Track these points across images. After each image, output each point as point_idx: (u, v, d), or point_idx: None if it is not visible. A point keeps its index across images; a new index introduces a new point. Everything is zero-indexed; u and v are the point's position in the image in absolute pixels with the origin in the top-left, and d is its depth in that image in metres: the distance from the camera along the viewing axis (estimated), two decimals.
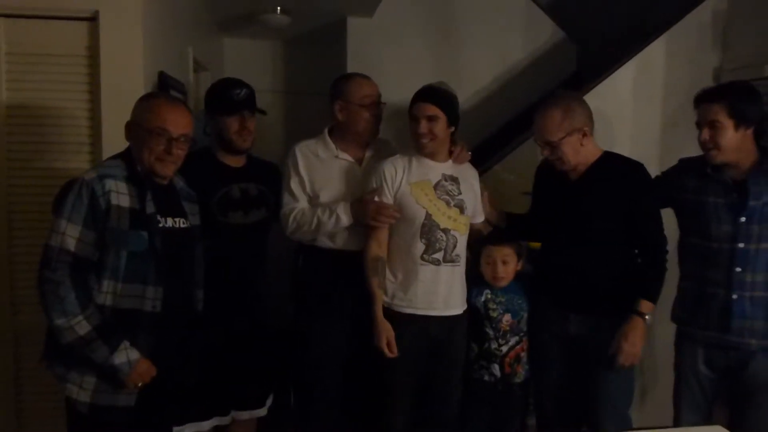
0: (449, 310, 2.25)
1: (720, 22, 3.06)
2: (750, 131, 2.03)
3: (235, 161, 2.31)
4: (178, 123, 1.87)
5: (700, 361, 2.16)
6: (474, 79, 3.64)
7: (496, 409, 2.29)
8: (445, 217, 2.22)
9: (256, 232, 2.33)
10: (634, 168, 2.17)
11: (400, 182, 2.23)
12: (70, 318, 1.71)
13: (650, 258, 2.16)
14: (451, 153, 2.30)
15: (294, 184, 2.33)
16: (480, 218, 2.39)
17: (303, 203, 2.33)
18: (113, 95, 2.22)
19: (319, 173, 2.34)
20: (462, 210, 2.25)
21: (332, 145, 2.37)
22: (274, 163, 2.47)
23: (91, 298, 1.75)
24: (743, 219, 2.03)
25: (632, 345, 2.09)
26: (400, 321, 2.21)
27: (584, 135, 2.17)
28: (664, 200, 2.23)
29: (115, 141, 2.00)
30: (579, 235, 2.18)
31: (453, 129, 2.25)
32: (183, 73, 2.92)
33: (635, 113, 3.05)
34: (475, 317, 2.29)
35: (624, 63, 3.04)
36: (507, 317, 2.27)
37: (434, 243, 2.21)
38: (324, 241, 2.35)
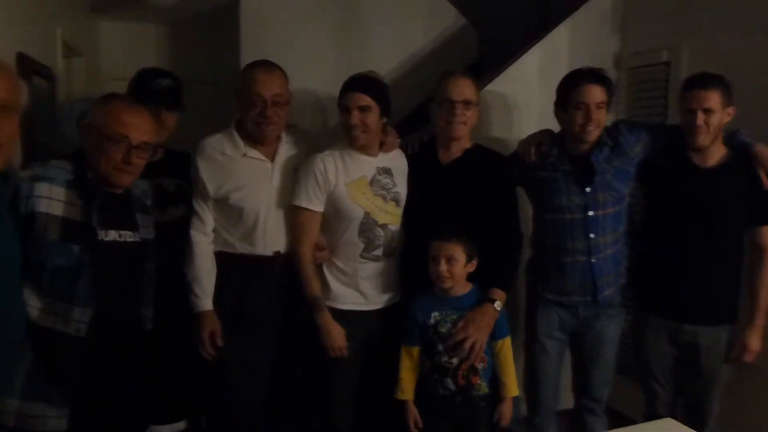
0: (391, 301, 2.24)
1: (619, 8, 3.10)
2: None
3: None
4: (139, 129, 1.70)
5: (555, 326, 2.34)
6: (378, 66, 3.46)
7: (460, 423, 2.11)
8: (382, 212, 2.15)
9: (175, 231, 2.11)
10: (500, 161, 2.30)
11: (334, 183, 2.12)
12: None
13: (508, 248, 2.22)
14: (381, 144, 2.19)
15: (196, 200, 2.16)
16: None
17: (207, 225, 2.17)
18: None
19: (225, 174, 2.14)
20: (398, 203, 2.19)
21: (240, 142, 2.16)
22: (190, 154, 2.24)
23: None
24: (589, 190, 2.24)
25: (477, 329, 2.07)
26: (345, 319, 2.16)
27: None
28: (517, 181, 2.37)
29: None
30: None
31: (385, 120, 2.16)
32: (50, 57, 2.60)
33: (541, 97, 3.00)
34: (423, 332, 2.12)
35: (529, 49, 3.01)
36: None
37: (373, 240, 2.15)
38: (236, 245, 2.16)
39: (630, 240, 2.37)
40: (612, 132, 2.29)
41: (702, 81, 2.17)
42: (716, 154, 2.22)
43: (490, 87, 2.95)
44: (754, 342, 2.21)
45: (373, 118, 2.11)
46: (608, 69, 3.13)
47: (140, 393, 1.85)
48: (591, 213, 2.24)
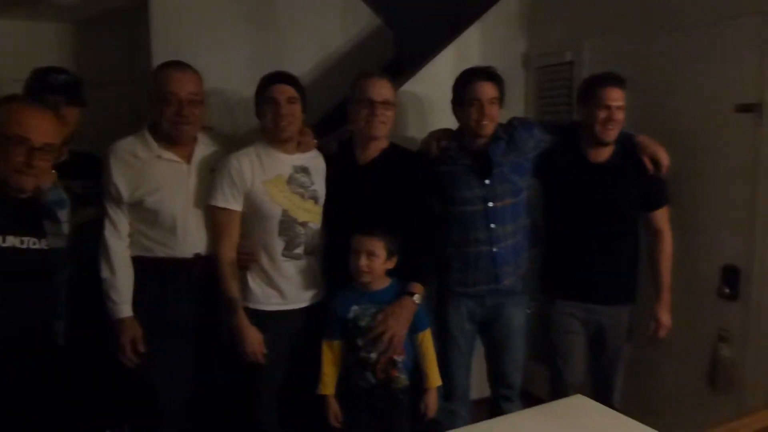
0: (315, 298, 2.25)
1: (526, 11, 3.24)
2: None
3: None
4: (41, 130, 1.64)
5: (464, 318, 2.44)
6: (293, 66, 3.44)
7: (381, 415, 2.14)
8: (301, 210, 2.15)
9: (86, 234, 2.04)
10: (417, 160, 2.37)
11: (250, 182, 2.09)
12: None
13: (425, 243, 2.26)
14: (298, 143, 2.20)
15: (110, 204, 2.10)
16: None
17: (122, 230, 2.12)
18: None
19: (139, 177, 2.09)
20: (316, 201, 2.19)
21: (153, 144, 2.11)
22: (97, 156, 2.18)
23: None
24: (488, 182, 2.34)
25: (397, 322, 2.11)
26: (269, 320, 2.17)
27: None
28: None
29: None
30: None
31: (303, 117, 2.19)
32: None
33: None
34: (343, 326, 2.14)
35: (441, 50, 3.09)
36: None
37: (294, 238, 2.14)
38: (154, 248, 2.11)
39: (532, 231, 2.50)
40: (507, 128, 2.43)
41: (614, 79, 2.34)
42: (608, 148, 2.39)
43: (405, 87, 3.01)
44: (665, 317, 2.41)
45: (299, 109, 2.15)
46: (517, 68, 3.30)
47: (52, 412, 1.76)
48: (491, 204, 2.35)
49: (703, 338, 2.49)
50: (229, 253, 2.11)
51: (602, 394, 2.43)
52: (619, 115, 2.31)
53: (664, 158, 2.35)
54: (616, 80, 2.34)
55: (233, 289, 2.11)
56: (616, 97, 2.30)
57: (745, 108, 2.30)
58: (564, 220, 2.47)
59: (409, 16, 3.77)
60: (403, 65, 3.48)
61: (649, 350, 2.69)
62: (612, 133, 2.33)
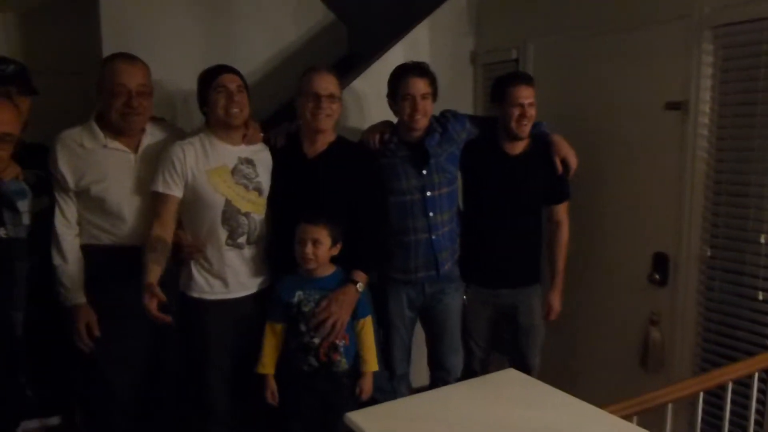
0: (262, 285, 2.30)
1: (474, 9, 3.33)
2: None
3: None
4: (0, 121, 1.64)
5: (405, 306, 2.54)
6: (246, 60, 3.47)
7: (325, 397, 2.21)
8: (244, 201, 2.20)
9: (41, 222, 2.06)
10: (363, 152, 2.45)
11: (193, 170, 2.13)
12: None
13: (370, 233, 2.32)
14: (244, 136, 2.25)
15: (58, 192, 2.12)
16: None
17: (70, 217, 2.13)
18: None
19: (85, 166, 2.11)
20: (260, 192, 2.24)
21: (100, 134, 2.14)
22: (46, 146, 2.18)
23: None
24: (425, 172, 2.44)
25: (339, 308, 2.17)
26: (213, 309, 2.22)
27: None
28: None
29: None
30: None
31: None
32: None
33: None
34: (286, 313, 2.20)
35: (392, 46, 3.17)
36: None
37: (237, 228, 2.19)
38: (101, 236, 2.14)
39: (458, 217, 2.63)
40: (441, 120, 2.54)
41: (524, 78, 2.50)
42: (523, 142, 2.53)
43: (356, 82, 3.07)
44: (556, 302, 2.60)
45: (246, 99, 2.21)
46: (465, 65, 3.40)
47: (8, 399, 1.79)
48: (429, 193, 2.45)
49: (635, 321, 2.64)
50: (158, 230, 2.09)
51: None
52: (532, 111, 2.45)
53: (573, 161, 2.51)
54: (526, 78, 2.50)
55: (150, 257, 2.02)
56: (527, 94, 2.44)
57: (673, 105, 2.44)
58: (477, 208, 2.62)
59: (361, 11, 3.84)
60: (357, 60, 3.54)
61: (585, 332, 2.85)
62: (526, 129, 2.47)
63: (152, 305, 1.90)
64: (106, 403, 2.18)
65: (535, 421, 1.47)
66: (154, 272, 1.99)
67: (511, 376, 1.72)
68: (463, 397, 1.59)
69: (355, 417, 1.45)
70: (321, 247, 2.15)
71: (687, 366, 2.50)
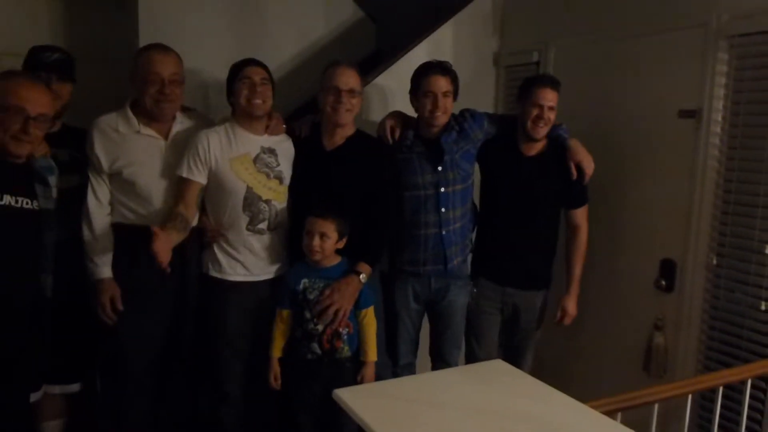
0: (279, 271, 2.40)
1: (498, 11, 3.38)
2: None
3: None
4: (37, 102, 1.82)
5: (411, 299, 2.59)
6: (276, 54, 3.59)
7: (328, 384, 2.24)
8: (265, 188, 2.31)
9: (70, 199, 2.21)
10: (380, 146, 2.52)
11: (217, 158, 2.24)
12: None
13: (378, 226, 2.40)
14: (267, 126, 2.36)
15: (92, 173, 2.27)
16: None
17: (102, 197, 2.27)
18: None
19: (119, 150, 2.25)
20: (281, 180, 2.35)
21: (134, 120, 2.27)
22: (85, 129, 2.33)
23: None
24: (440, 168, 2.49)
25: (342, 297, 2.26)
26: (232, 289, 2.33)
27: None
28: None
29: None
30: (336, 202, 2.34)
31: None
32: None
33: None
34: (293, 299, 2.30)
35: (417, 44, 3.23)
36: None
37: (258, 214, 2.30)
38: (131, 217, 2.27)
39: (473, 213, 2.68)
40: (459, 118, 2.60)
41: (550, 81, 2.52)
42: (539, 144, 2.57)
43: (381, 78, 3.14)
44: (572, 307, 2.62)
45: (270, 91, 2.32)
46: (488, 66, 3.45)
47: (34, 354, 1.94)
48: (443, 189, 2.51)
49: (640, 326, 2.67)
50: (180, 207, 2.21)
51: None
52: (550, 115, 2.48)
53: (589, 167, 2.53)
54: (552, 82, 2.52)
55: (167, 225, 2.13)
56: (549, 97, 2.47)
57: (687, 114, 2.47)
58: (492, 206, 2.67)
59: (390, 9, 3.92)
60: (384, 57, 3.61)
61: (590, 335, 2.88)
62: (541, 131, 2.50)
63: (157, 246, 1.98)
64: (123, 376, 2.31)
65: (518, 408, 1.54)
66: (169, 230, 2.11)
67: (498, 366, 1.79)
68: (449, 382, 1.67)
69: (343, 393, 1.54)
70: (328, 241, 2.25)
71: (689, 371, 2.53)
